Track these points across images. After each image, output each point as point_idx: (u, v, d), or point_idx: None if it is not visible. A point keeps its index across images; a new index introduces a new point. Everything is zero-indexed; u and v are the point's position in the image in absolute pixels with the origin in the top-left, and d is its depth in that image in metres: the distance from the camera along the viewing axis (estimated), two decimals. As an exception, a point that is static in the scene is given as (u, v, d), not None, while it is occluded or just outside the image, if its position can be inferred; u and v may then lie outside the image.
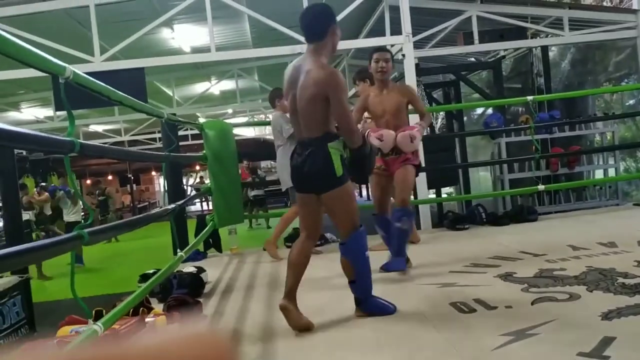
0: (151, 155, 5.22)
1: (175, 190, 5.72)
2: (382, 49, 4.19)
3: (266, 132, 18.96)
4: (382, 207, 4.17)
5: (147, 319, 2.75)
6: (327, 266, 4.09)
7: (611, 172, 8.10)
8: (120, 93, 2.89)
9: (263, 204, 13.36)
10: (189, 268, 4.34)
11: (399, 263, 3.93)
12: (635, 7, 7.56)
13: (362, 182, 3.39)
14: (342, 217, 2.96)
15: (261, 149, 18.66)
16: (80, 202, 9.30)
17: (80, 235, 2.02)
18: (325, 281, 3.92)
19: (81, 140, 2.27)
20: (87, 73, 6.25)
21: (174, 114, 6.11)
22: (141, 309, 3.05)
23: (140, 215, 3.26)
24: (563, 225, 5.83)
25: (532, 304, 3.00)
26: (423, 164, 6.47)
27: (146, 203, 25.34)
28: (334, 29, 2.96)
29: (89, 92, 2.53)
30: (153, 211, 3.76)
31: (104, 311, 2.75)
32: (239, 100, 13.07)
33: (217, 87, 13.14)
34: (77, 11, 7.03)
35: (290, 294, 2.91)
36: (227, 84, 12.82)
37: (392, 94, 4.01)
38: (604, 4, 14.62)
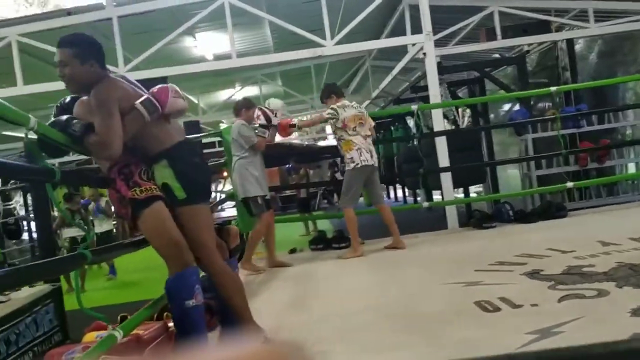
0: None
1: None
2: None
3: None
4: None
5: (169, 324, 2.77)
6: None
7: (644, 166, 7.90)
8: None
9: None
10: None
11: None
12: (663, -5, 7.36)
13: None
14: None
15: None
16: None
17: (83, 255, 2.02)
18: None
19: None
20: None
21: (198, 122, 6.18)
22: (165, 313, 3.08)
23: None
24: (593, 220, 5.70)
25: (559, 301, 2.93)
26: (442, 164, 6.39)
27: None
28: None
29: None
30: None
31: (128, 316, 2.78)
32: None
33: (241, 93, 13.23)
34: (101, 24, 7.17)
35: None
36: (251, 90, 12.91)
37: None
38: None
